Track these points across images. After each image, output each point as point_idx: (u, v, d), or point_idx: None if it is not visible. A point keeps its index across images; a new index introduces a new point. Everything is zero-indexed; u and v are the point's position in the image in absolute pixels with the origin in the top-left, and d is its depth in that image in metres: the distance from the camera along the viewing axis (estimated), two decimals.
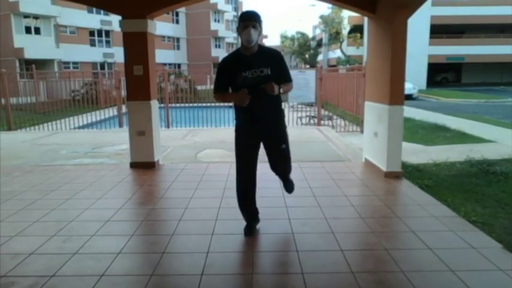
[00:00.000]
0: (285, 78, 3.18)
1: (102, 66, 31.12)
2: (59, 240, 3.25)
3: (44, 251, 3.05)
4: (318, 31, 47.30)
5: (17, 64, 24.35)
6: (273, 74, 3.08)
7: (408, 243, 3.17)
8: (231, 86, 3.15)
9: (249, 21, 3.01)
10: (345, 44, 37.48)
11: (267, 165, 3.40)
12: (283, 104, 3.39)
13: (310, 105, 12.47)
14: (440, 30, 33.96)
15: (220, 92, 3.21)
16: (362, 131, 8.42)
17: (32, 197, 4.38)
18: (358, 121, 10.34)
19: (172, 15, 38.93)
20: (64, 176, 5.27)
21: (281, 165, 3.42)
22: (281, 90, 3.11)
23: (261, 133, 3.24)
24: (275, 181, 4.77)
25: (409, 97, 22.08)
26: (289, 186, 3.62)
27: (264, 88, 3.00)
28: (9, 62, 22.41)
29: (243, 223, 3.43)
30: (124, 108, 10.67)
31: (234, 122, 3.34)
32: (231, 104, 11.70)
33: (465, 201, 4.17)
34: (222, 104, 11.92)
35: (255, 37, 3.02)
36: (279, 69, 3.15)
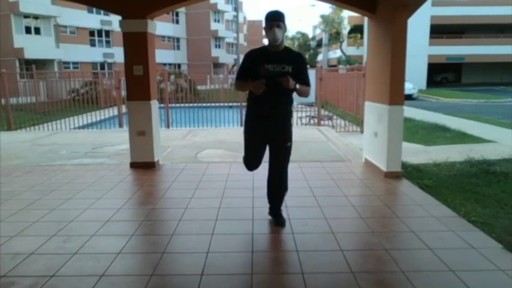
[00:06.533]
0: (303, 81, 3.29)
1: (102, 66, 31.13)
2: (59, 240, 3.25)
3: (44, 251, 3.05)
4: (318, 31, 47.35)
5: (17, 64, 24.33)
6: (293, 72, 3.21)
7: (408, 243, 3.17)
8: (252, 77, 3.26)
9: (273, 21, 3.19)
10: (345, 44, 37.50)
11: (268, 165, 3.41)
12: None
13: (310, 105, 12.49)
14: (440, 30, 33.95)
15: (241, 80, 3.37)
16: (362, 131, 8.43)
17: (32, 197, 4.38)
18: (358, 121, 10.35)
19: (172, 15, 38.91)
20: (64, 176, 5.27)
21: (279, 162, 3.44)
22: (297, 86, 3.21)
23: (269, 129, 3.33)
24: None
25: (409, 97, 22.12)
26: (281, 220, 3.52)
27: (279, 81, 3.12)
28: (9, 62, 22.41)
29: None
30: (124, 108, 10.67)
31: (243, 118, 3.42)
32: (230, 104, 11.75)
33: (465, 201, 4.17)
34: (222, 104, 11.98)
35: (280, 35, 3.20)
36: (300, 70, 3.29)
